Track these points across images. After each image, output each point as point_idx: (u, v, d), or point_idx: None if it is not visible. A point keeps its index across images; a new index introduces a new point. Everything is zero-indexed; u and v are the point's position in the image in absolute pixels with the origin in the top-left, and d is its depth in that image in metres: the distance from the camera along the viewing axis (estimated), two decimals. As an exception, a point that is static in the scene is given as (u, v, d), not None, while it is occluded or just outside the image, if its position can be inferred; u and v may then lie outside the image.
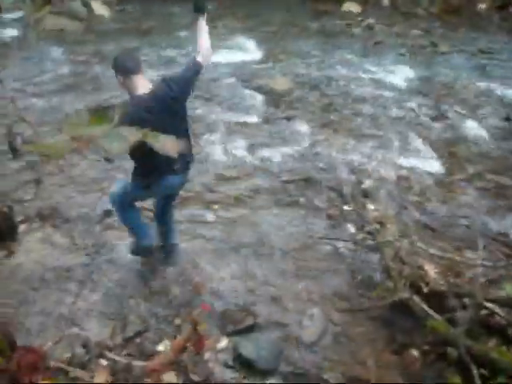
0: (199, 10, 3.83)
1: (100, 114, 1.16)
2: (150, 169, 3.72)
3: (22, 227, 4.97)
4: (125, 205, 4.04)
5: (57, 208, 5.22)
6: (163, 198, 4.24)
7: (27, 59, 8.66)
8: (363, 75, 7.70)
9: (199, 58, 3.77)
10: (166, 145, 1.24)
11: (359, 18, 9.47)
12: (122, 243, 4.62)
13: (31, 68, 8.34)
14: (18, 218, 4.99)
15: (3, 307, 3.91)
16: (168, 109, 3.61)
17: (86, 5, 1.28)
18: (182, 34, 9.68)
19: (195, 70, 3.77)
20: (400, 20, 9.92)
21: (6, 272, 4.39)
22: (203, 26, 3.84)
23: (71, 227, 4.93)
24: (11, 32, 9.82)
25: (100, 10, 1.29)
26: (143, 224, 4.25)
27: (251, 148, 6.09)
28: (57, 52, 9.03)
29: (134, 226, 4.22)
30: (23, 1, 1.21)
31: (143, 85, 3.60)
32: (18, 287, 4.18)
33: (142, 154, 2.93)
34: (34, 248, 4.74)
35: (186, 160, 3.84)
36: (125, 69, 3.57)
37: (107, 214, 5.01)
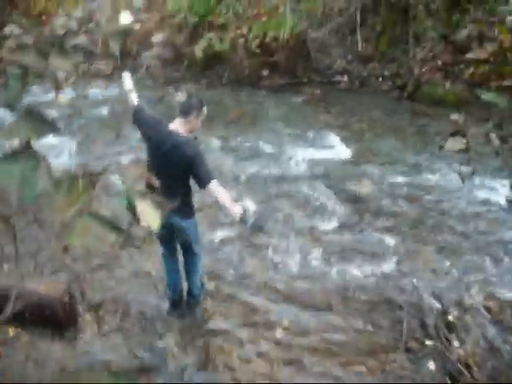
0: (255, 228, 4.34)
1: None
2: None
3: (83, 317, 4.95)
4: (163, 249, 4.86)
5: (119, 301, 5.18)
6: (180, 247, 4.79)
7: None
8: (461, 192, 7.18)
9: (213, 184, 4.07)
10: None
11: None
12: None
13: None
14: (81, 308, 4.99)
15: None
16: (170, 157, 4.15)
17: (132, 209, 1.13)
18: (270, 125, 9.79)
19: (204, 176, 4.10)
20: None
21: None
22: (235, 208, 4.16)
23: (130, 325, 4.85)
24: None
25: (148, 218, 1.13)
26: (172, 274, 4.93)
27: (328, 258, 5.85)
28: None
29: (165, 273, 4.99)
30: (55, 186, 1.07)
31: (176, 125, 4.27)
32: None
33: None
34: (91, 342, 4.66)
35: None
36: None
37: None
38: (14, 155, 1.09)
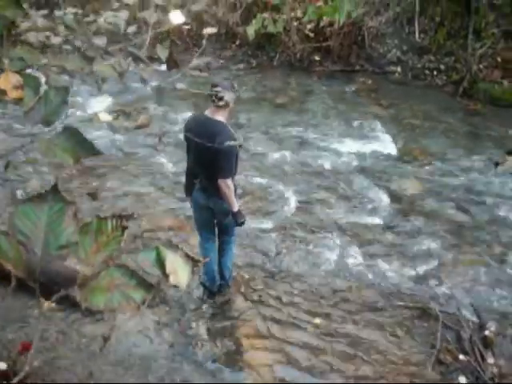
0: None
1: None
2: (188, 181, 4.86)
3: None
4: (199, 232, 5.00)
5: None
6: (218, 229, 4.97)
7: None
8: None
9: (226, 181, 4.44)
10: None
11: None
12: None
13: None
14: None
15: None
16: (207, 142, 4.37)
17: (161, 264, 1.08)
18: (319, 113, 9.67)
19: (223, 170, 4.42)
20: None
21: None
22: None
23: (163, 310, 4.91)
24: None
25: (178, 275, 1.09)
26: (211, 262, 4.97)
27: (367, 258, 5.79)
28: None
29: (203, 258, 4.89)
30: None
31: (210, 111, 4.50)
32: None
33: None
34: (123, 325, 4.73)
35: (208, 191, 4.64)
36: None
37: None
38: (41, 198, 1.06)
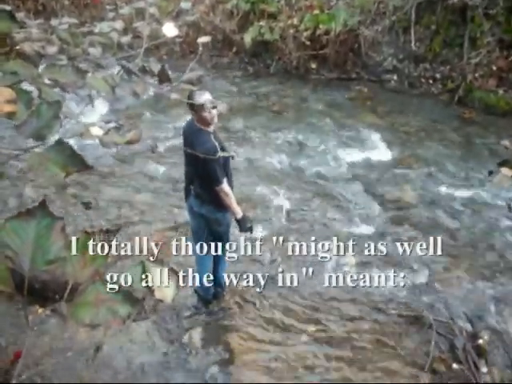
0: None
1: None
2: (186, 186, 4.76)
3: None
4: (193, 239, 4.89)
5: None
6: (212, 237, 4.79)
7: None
8: (507, 217, 6.74)
9: (222, 186, 4.35)
10: None
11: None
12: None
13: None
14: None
15: None
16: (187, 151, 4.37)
17: (147, 279, 1.10)
18: (314, 120, 9.69)
19: (213, 177, 4.30)
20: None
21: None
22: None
23: (156, 318, 4.91)
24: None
25: (163, 290, 1.11)
26: (206, 272, 4.91)
27: (361, 266, 5.80)
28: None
29: (197, 266, 4.98)
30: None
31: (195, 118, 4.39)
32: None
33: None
34: (116, 332, 4.73)
35: (201, 198, 4.58)
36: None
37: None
38: (29, 214, 1.08)
